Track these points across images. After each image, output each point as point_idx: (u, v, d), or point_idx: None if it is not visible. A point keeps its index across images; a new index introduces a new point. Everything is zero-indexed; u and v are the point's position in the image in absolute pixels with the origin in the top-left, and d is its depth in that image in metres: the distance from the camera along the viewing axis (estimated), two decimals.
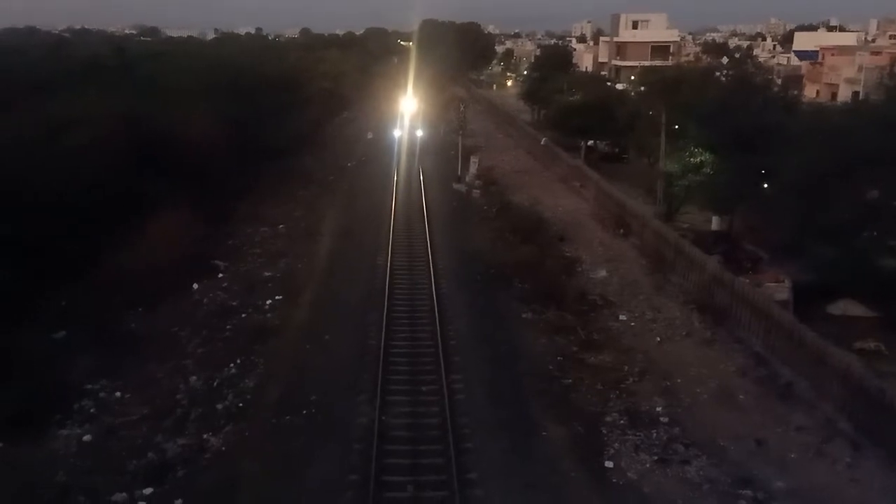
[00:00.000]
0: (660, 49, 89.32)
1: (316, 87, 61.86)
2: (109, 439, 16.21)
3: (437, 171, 43.29)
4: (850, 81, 62.60)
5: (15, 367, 17.47)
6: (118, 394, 18.13)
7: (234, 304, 23.70)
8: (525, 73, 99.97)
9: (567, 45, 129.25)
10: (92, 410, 17.39)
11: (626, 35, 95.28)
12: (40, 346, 19.70)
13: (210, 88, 36.99)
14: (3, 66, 39.20)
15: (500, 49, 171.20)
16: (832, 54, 74.65)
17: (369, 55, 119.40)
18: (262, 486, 14.39)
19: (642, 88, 45.04)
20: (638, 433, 16.62)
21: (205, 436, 16.29)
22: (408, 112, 50.60)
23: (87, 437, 16.25)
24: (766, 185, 27.14)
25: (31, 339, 19.78)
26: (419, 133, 48.99)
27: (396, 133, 49.21)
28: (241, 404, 17.54)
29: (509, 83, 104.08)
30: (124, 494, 14.30)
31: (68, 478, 14.80)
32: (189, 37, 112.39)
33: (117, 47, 44.49)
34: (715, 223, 34.51)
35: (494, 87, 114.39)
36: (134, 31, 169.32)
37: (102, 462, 15.34)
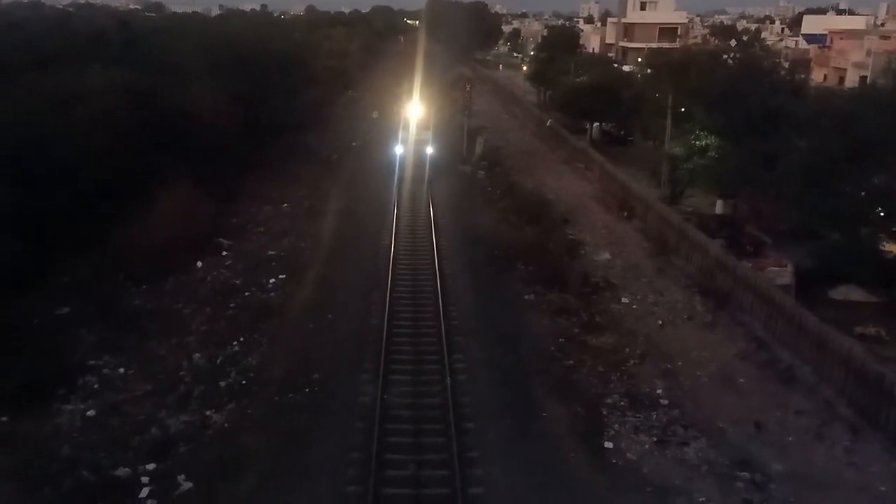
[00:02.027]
0: (667, 31, 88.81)
1: (321, 66, 61.59)
2: (113, 415, 16.34)
3: (442, 151, 42.88)
4: (858, 66, 62.11)
5: (19, 342, 17.59)
6: (121, 370, 18.24)
7: (238, 282, 23.78)
8: (532, 53, 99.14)
9: (574, 26, 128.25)
10: (95, 386, 17.51)
11: (633, 16, 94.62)
12: (44, 322, 19.83)
13: (215, 65, 36.88)
14: (8, 41, 39.07)
15: (506, 29, 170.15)
16: (840, 38, 74.09)
17: (375, 34, 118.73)
18: (265, 463, 14.49)
19: (649, 71, 44.77)
20: (638, 415, 16.73)
21: (208, 413, 16.42)
22: (413, 117, 37.24)
23: (90, 413, 16.37)
24: (771, 170, 27.07)
25: (36, 314, 19.92)
26: (429, 150, 35.85)
27: (398, 150, 35.95)
28: (244, 382, 17.65)
29: (524, 68, 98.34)
30: (128, 470, 14.43)
31: (72, 452, 14.94)
32: (194, 13, 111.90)
33: (122, 22, 44.20)
34: (719, 207, 34.49)
35: (500, 67, 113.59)
36: (138, 7, 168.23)
37: (106, 437, 15.47)
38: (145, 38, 42.99)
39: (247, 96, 36.55)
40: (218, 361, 18.63)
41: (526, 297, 23.06)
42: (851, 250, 23.04)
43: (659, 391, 17.77)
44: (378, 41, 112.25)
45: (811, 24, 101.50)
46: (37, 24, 48.52)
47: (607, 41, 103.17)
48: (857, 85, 51.74)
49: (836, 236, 24.37)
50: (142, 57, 35.07)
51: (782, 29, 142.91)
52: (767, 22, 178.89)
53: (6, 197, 19.91)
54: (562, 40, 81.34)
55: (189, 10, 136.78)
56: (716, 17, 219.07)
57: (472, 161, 41.03)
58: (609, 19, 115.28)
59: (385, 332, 19.19)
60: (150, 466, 14.54)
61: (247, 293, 22.97)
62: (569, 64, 64.28)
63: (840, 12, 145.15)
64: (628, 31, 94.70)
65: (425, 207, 31.24)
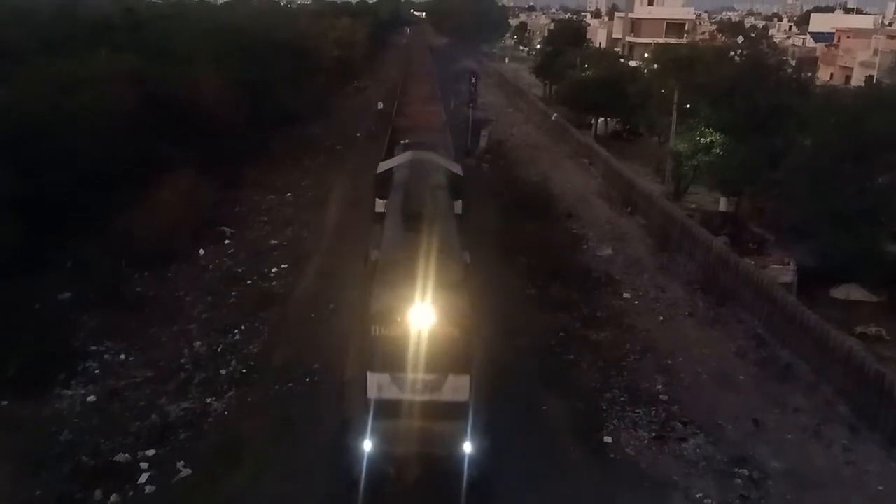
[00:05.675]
0: (675, 26, 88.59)
1: (327, 56, 61.45)
2: (113, 401, 16.38)
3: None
4: (864, 65, 61.92)
5: (21, 327, 17.62)
6: (122, 356, 18.28)
7: (240, 270, 23.80)
8: (538, 47, 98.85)
9: (581, 20, 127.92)
10: (96, 372, 17.55)
11: (641, 11, 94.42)
12: (46, 306, 19.86)
13: (221, 53, 36.81)
14: (14, 25, 38.99)
15: (513, 22, 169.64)
16: (848, 37, 73.85)
17: (381, 24, 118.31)
18: (264, 451, 14.52)
19: (655, 66, 44.68)
20: (637, 410, 16.73)
21: (208, 400, 16.46)
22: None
23: (91, 398, 16.42)
24: (776, 168, 27.05)
25: (37, 299, 19.94)
26: (467, 448, 12.38)
27: (366, 446, 12.27)
28: (244, 370, 17.68)
29: None
30: (127, 455, 14.48)
31: (72, 437, 14.98)
32: (200, 0, 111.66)
33: (128, 8, 44.11)
34: (722, 204, 34.43)
35: (507, 60, 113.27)
36: None
37: (106, 423, 15.52)
38: (151, 24, 42.89)
39: (252, 85, 36.50)
40: (219, 349, 18.66)
41: (528, 291, 23.03)
42: (855, 249, 23.02)
43: (658, 387, 17.76)
44: (384, 32, 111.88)
45: (819, 23, 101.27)
46: (42, 9, 48.39)
47: (614, 36, 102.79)
48: (863, 84, 51.57)
49: (838, 235, 24.35)
50: (147, 43, 35.01)
51: (790, 26, 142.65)
52: (775, 19, 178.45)
53: (9, 181, 19.91)
54: (568, 34, 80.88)
55: None
56: (724, 13, 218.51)
57: (477, 154, 40.93)
58: (616, 14, 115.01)
59: None
60: (150, 452, 14.58)
61: (249, 281, 22.99)
62: (575, 58, 64.04)
63: (848, 11, 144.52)
64: (635, 26, 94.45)
65: None
